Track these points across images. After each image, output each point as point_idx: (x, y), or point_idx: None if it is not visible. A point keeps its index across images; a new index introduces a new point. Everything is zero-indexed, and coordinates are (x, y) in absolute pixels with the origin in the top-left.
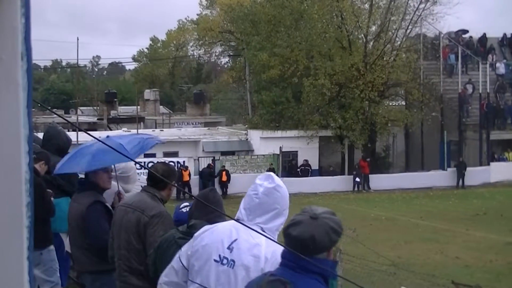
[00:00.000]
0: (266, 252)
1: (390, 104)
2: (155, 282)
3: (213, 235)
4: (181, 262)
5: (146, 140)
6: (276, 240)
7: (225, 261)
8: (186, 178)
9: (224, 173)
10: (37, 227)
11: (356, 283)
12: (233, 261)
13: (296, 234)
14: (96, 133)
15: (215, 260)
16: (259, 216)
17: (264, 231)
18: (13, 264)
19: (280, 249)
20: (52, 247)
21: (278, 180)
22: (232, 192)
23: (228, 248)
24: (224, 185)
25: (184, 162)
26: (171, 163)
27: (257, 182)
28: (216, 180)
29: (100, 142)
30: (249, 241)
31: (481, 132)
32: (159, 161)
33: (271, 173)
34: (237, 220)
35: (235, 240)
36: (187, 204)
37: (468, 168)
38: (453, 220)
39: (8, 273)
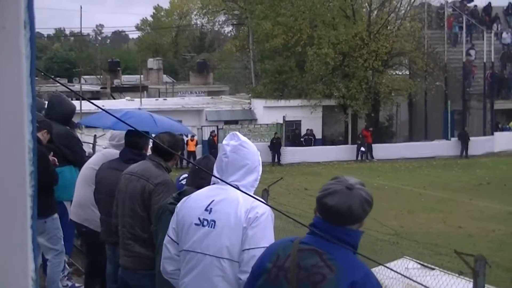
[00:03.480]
0: (245, 207)
1: (394, 73)
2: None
3: (191, 202)
4: (169, 236)
5: (179, 125)
6: (253, 196)
7: (205, 222)
8: (192, 148)
9: (215, 138)
10: (40, 196)
11: (359, 253)
12: (213, 221)
13: (333, 204)
14: (99, 102)
15: (195, 224)
16: (231, 174)
17: (239, 189)
18: (17, 233)
19: (260, 205)
20: (56, 215)
21: (243, 137)
22: None
23: (206, 209)
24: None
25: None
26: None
27: (223, 143)
28: None
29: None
30: (226, 199)
31: (485, 101)
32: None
33: (236, 132)
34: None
35: (212, 201)
36: (186, 175)
37: (471, 138)
38: (456, 190)
39: (12, 242)
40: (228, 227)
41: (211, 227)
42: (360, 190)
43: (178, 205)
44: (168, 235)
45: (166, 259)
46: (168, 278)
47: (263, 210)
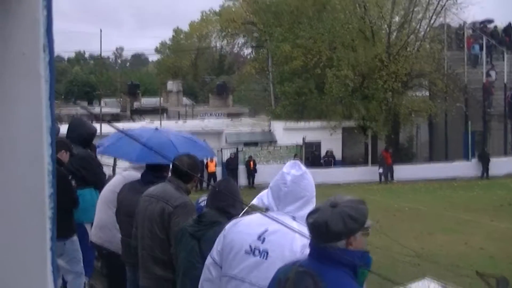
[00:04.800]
0: (301, 242)
1: (414, 94)
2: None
3: (242, 227)
4: (212, 258)
5: (199, 148)
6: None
7: (256, 252)
8: (212, 169)
9: (251, 162)
10: (60, 218)
11: (380, 275)
12: (266, 252)
13: (311, 221)
14: (119, 125)
15: (246, 252)
16: (289, 204)
17: (295, 220)
18: (37, 255)
19: None
20: (75, 237)
21: (304, 167)
22: (256, 182)
23: (259, 238)
24: (251, 174)
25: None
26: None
27: (284, 171)
28: (244, 169)
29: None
30: (281, 231)
31: (505, 122)
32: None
33: (297, 161)
34: (265, 210)
35: (265, 231)
36: (205, 198)
37: (492, 159)
38: (477, 211)
39: (31, 264)
40: (282, 261)
41: (263, 257)
42: (345, 207)
43: (227, 227)
44: (211, 257)
45: (206, 281)
46: None
47: None
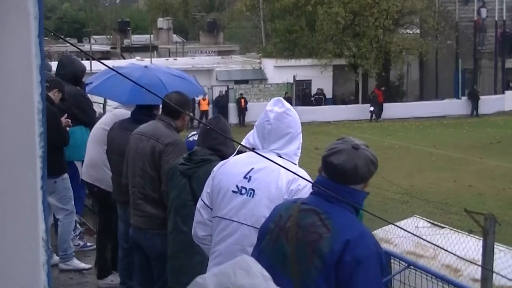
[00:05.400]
0: (287, 178)
1: (405, 32)
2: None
3: (229, 167)
4: (203, 201)
5: (190, 87)
6: (294, 166)
7: (243, 190)
8: (204, 107)
9: (242, 100)
10: (50, 156)
11: (370, 211)
12: (252, 190)
13: (339, 163)
14: (109, 62)
15: (233, 191)
16: (273, 142)
17: (281, 157)
18: (27, 194)
19: (302, 174)
20: (66, 175)
21: (287, 104)
22: (246, 121)
23: (245, 177)
24: (242, 112)
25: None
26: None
27: (267, 109)
28: (234, 107)
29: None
30: (266, 168)
31: (496, 60)
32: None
33: (280, 98)
34: (253, 149)
35: (251, 169)
36: (195, 133)
37: (482, 97)
38: (467, 149)
39: (22, 203)
40: (268, 198)
41: (249, 196)
42: (365, 151)
43: (215, 169)
44: (202, 200)
45: (198, 224)
46: (198, 243)
47: (305, 182)
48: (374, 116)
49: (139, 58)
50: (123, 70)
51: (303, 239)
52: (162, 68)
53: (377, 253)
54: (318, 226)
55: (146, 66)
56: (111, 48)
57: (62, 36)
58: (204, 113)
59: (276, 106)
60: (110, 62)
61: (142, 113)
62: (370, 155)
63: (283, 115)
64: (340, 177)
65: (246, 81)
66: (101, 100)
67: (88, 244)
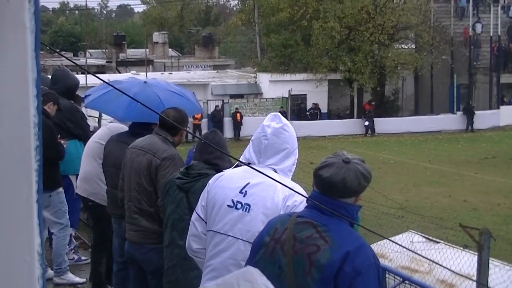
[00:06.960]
0: (283, 194)
1: (400, 47)
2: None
3: (224, 182)
4: (198, 214)
5: (188, 105)
6: (290, 181)
7: (239, 205)
8: (197, 121)
9: (238, 114)
10: (46, 170)
11: (364, 226)
12: (248, 205)
13: (327, 176)
14: (105, 76)
15: (228, 206)
16: (270, 157)
17: (277, 172)
18: (22, 207)
19: (299, 190)
20: (61, 189)
21: (284, 119)
22: (242, 135)
23: (241, 192)
24: (237, 126)
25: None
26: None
27: (264, 124)
28: (230, 122)
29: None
30: (262, 184)
31: (491, 75)
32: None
33: (277, 113)
34: (248, 164)
35: (247, 184)
36: None
37: (477, 112)
38: (462, 164)
39: (17, 217)
40: (264, 213)
41: (245, 211)
42: (356, 165)
43: (210, 182)
44: (197, 212)
45: (193, 237)
46: (192, 256)
47: (301, 198)
48: (369, 131)
49: (134, 72)
50: (122, 85)
51: (300, 251)
52: (161, 84)
53: (376, 265)
54: (315, 238)
55: (145, 82)
56: (106, 62)
57: (58, 50)
58: (197, 126)
59: (274, 121)
60: (105, 76)
61: (141, 127)
62: (361, 169)
63: (280, 131)
64: (329, 190)
65: (241, 96)
66: (96, 114)
67: (83, 258)
